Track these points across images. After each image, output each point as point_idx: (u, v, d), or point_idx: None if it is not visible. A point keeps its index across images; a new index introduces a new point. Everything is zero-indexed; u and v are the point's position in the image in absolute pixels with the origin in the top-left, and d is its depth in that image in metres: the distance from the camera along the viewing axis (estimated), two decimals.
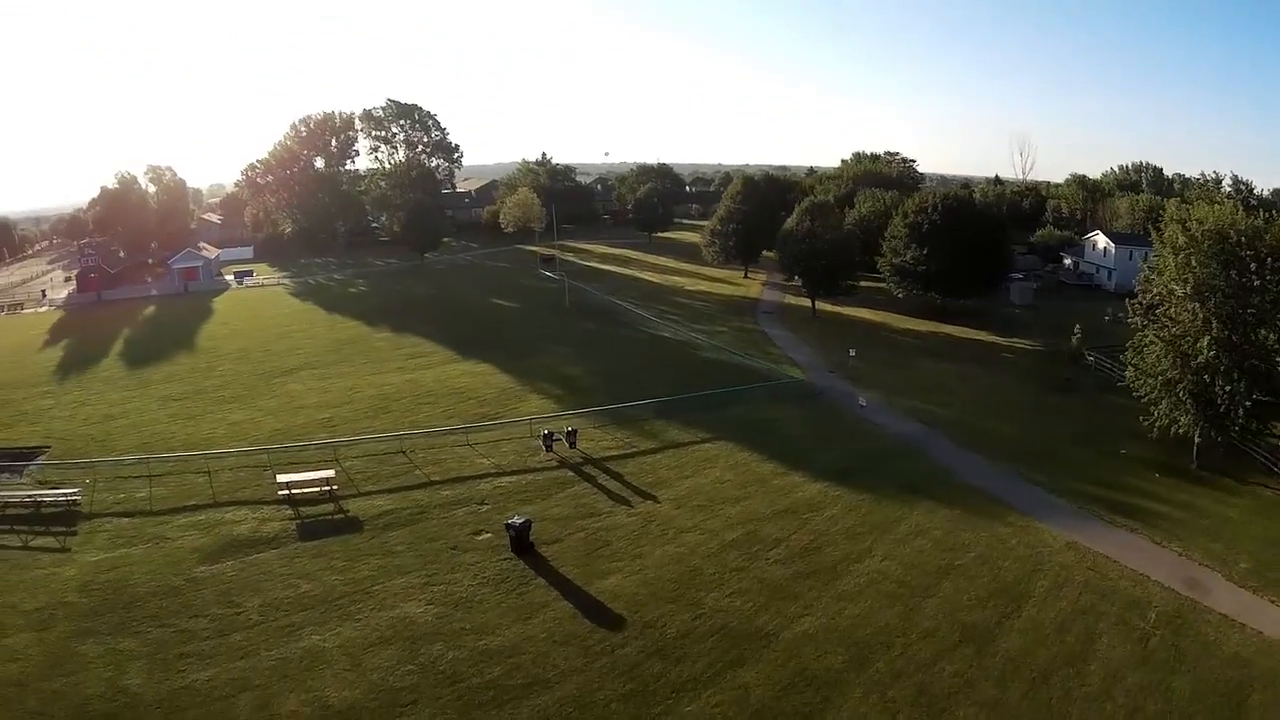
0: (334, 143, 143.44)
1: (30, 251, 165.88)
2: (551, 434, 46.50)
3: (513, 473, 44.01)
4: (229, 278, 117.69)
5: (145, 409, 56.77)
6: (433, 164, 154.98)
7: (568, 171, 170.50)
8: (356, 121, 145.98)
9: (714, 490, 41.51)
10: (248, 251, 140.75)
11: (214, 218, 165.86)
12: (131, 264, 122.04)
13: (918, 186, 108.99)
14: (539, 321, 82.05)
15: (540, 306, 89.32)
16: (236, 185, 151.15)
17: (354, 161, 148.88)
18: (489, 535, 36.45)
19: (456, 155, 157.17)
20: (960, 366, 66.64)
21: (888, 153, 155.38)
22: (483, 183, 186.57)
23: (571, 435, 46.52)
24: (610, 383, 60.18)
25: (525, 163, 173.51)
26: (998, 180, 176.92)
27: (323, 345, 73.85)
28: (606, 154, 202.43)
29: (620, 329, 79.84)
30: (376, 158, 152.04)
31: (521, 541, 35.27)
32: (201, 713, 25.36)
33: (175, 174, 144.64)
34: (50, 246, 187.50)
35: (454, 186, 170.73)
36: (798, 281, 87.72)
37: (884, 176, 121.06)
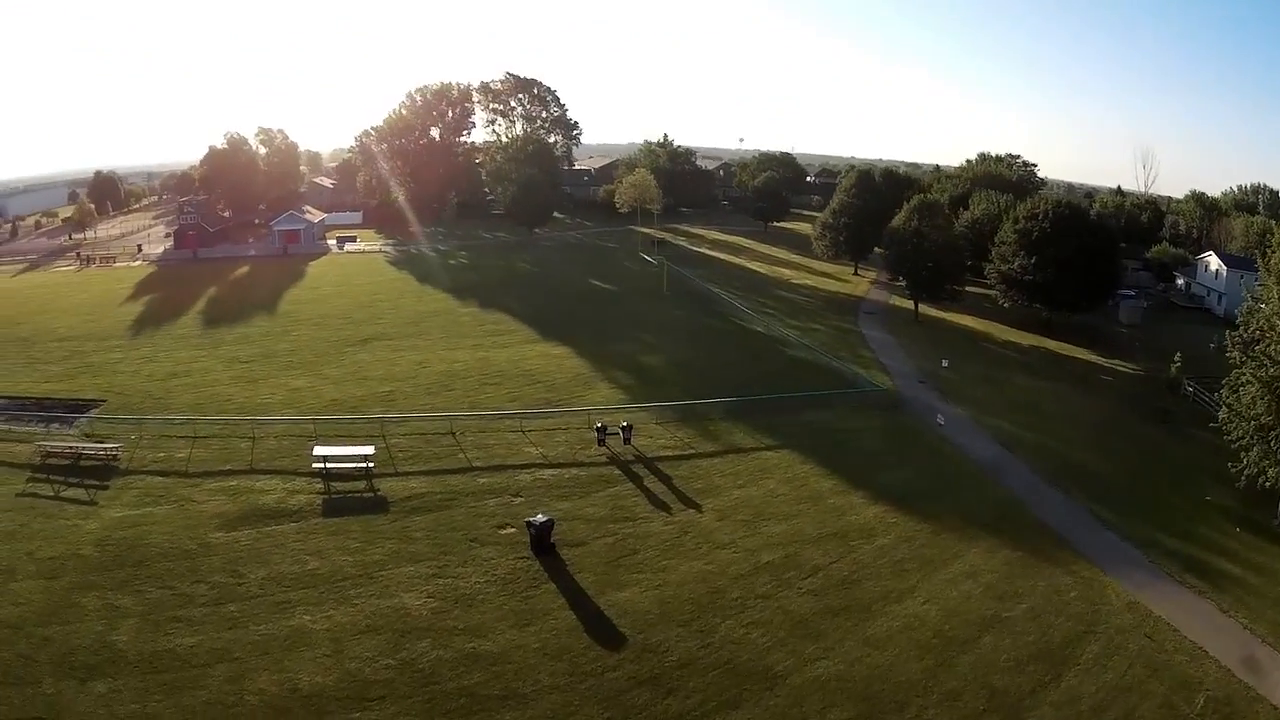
0: (450, 114, 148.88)
1: (136, 206, 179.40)
2: (605, 427, 46.38)
3: (557, 465, 44.15)
4: (331, 242, 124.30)
5: (210, 369, 60.26)
6: (551, 140, 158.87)
7: (688, 154, 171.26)
8: (474, 94, 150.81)
9: (764, 504, 40.63)
10: (356, 217, 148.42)
11: (326, 182, 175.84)
12: (233, 223, 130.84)
13: (1037, 192, 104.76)
14: (631, 306, 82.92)
15: (637, 290, 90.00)
16: (351, 151, 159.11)
17: (470, 134, 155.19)
18: (513, 530, 36.55)
19: (575, 132, 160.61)
20: (1056, 385, 64.69)
21: (1010, 154, 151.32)
22: (607, 161, 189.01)
23: (627, 430, 46.18)
24: (687, 376, 60.02)
25: (647, 143, 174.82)
26: (1119, 191, 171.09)
27: (405, 316, 76.93)
28: (741, 140, 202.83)
29: (712, 319, 79.43)
30: (494, 130, 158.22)
31: (542, 541, 35.18)
32: (175, 677, 26.65)
33: (287, 137, 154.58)
34: (158, 202, 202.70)
35: (572, 163, 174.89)
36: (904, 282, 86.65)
37: (1003, 179, 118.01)
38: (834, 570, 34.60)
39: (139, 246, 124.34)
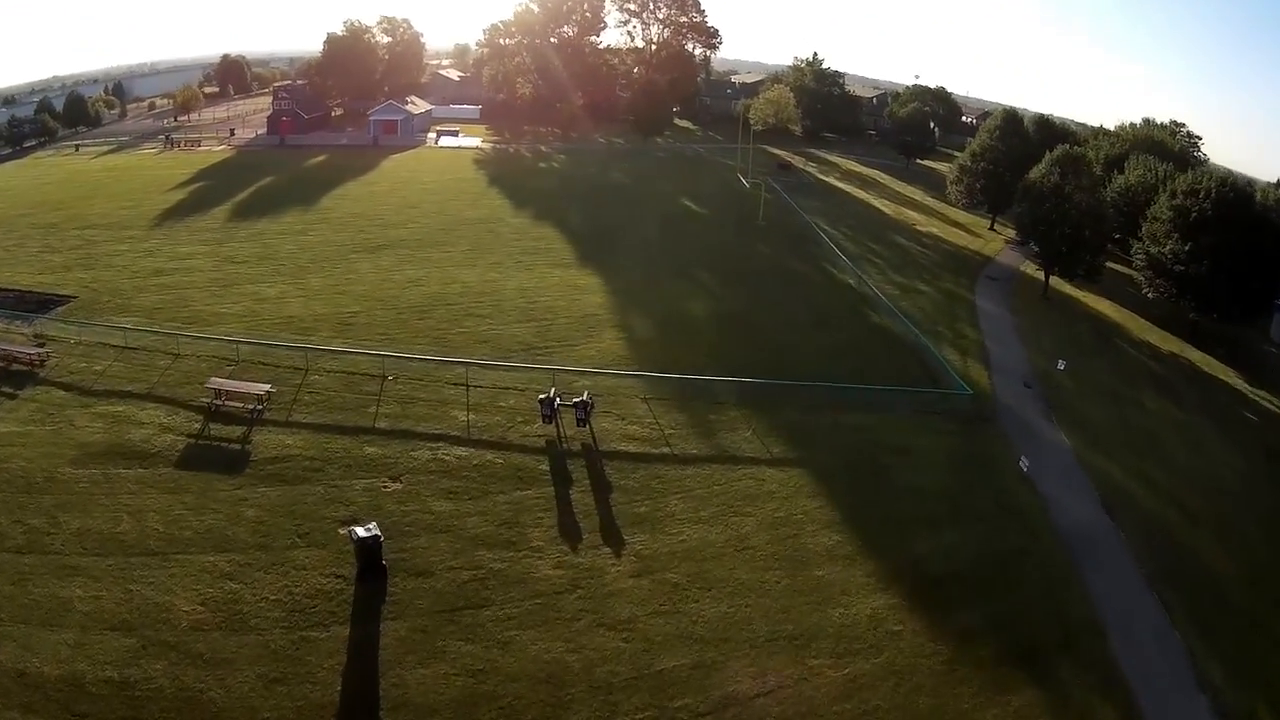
0: (582, 11, 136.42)
1: (262, 91, 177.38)
2: (554, 400, 34.98)
3: (473, 444, 33.82)
4: (431, 135, 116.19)
5: (197, 268, 54.52)
6: (688, 47, 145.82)
7: (836, 76, 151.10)
8: None
9: (717, 558, 28.27)
10: (473, 111, 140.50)
11: (453, 74, 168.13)
12: (336, 111, 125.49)
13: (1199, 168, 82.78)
14: (712, 235, 70.81)
15: (729, 218, 77.13)
16: (479, 45, 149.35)
17: (601, 35, 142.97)
18: (369, 526, 26.47)
19: (715, 40, 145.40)
20: (1190, 418, 48.12)
21: (1174, 122, 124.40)
22: (760, 78, 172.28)
23: (582, 408, 34.69)
24: (727, 335, 47.88)
25: (796, 60, 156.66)
26: None
27: (441, 222, 68.48)
28: (917, 77, 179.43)
29: (799, 261, 65.91)
30: (628, 32, 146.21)
31: (370, 561, 25.26)
32: None
33: (410, 27, 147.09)
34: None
35: (708, 73, 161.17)
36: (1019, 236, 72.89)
37: (1165, 148, 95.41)
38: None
39: (231, 131, 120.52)
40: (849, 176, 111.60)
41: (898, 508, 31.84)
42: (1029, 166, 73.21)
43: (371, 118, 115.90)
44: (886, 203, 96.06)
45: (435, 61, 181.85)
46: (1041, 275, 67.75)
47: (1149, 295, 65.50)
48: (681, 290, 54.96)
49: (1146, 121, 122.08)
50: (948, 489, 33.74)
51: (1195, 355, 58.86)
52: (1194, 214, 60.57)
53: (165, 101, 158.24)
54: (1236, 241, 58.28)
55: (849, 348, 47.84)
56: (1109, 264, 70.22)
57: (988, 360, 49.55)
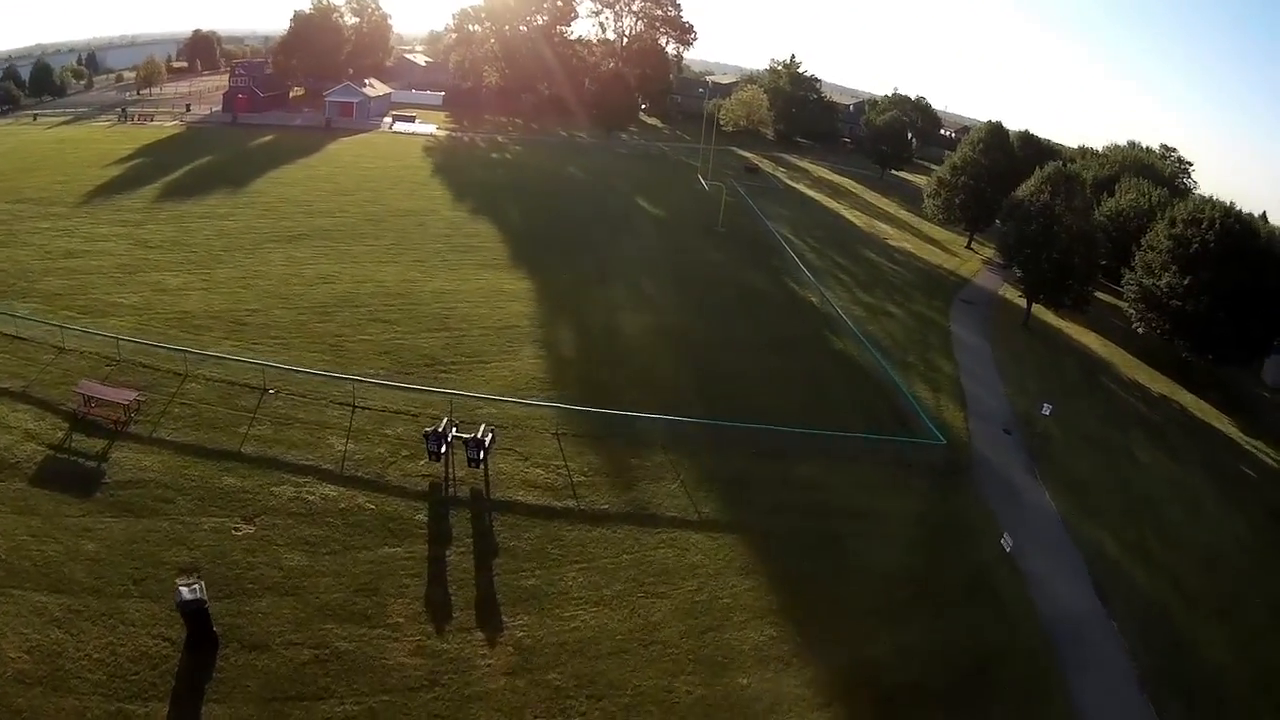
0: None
1: (226, 68, 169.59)
2: (443, 434, 29.30)
3: (348, 480, 28.83)
4: (388, 120, 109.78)
5: (108, 252, 49.23)
6: (663, 43, 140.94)
7: (812, 81, 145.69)
8: None
9: (614, 661, 22.75)
10: (434, 98, 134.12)
11: (420, 59, 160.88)
12: (293, 90, 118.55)
13: (1188, 196, 78.16)
14: (663, 240, 66.05)
15: (686, 221, 72.60)
16: (447, 29, 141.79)
17: (573, 25, 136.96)
18: (194, 587, 20.86)
19: (690, 36, 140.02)
20: (1186, 471, 42.94)
21: (1164, 146, 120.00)
22: (735, 79, 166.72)
23: (476, 448, 29.03)
24: (664, 356, 43.02)
25: (772, 63, 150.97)
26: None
27: (371, 213, 63.11)
28: (895, 89, 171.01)
29: (756, 274, 61.09)
30: (600, 23, 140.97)
31: (201, 628, 20.94)
32: None
33: (379, 7, 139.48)
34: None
35: (679, 69, 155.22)
36: (1002, 259, 67.68)
37: (1156, 172, 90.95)
38: None
39: (187, 106, 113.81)
40: (820, 184, 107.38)
41: (850, 592, 26.63)
42: (1012, 184, 68.81)
43: (327, 99, 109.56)
44: (858, 214, 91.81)
45: (404, 46, 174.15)
46: (1023, 301, 62.70)
47: (1139, 330, 60.48)
48: (620, 300, 50.18)
49: (1132, 144, 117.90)
50: (913, 568, 28.46)
51: (1187, 398, 54.24)
52: (1194, 245, 55.25)
53: (133, 74, 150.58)
54: (1239, 278, 53.07)
55: (806, 377, 43.17)
56: (1097, 293, 65.33)
57: (964, 399, 44.70)
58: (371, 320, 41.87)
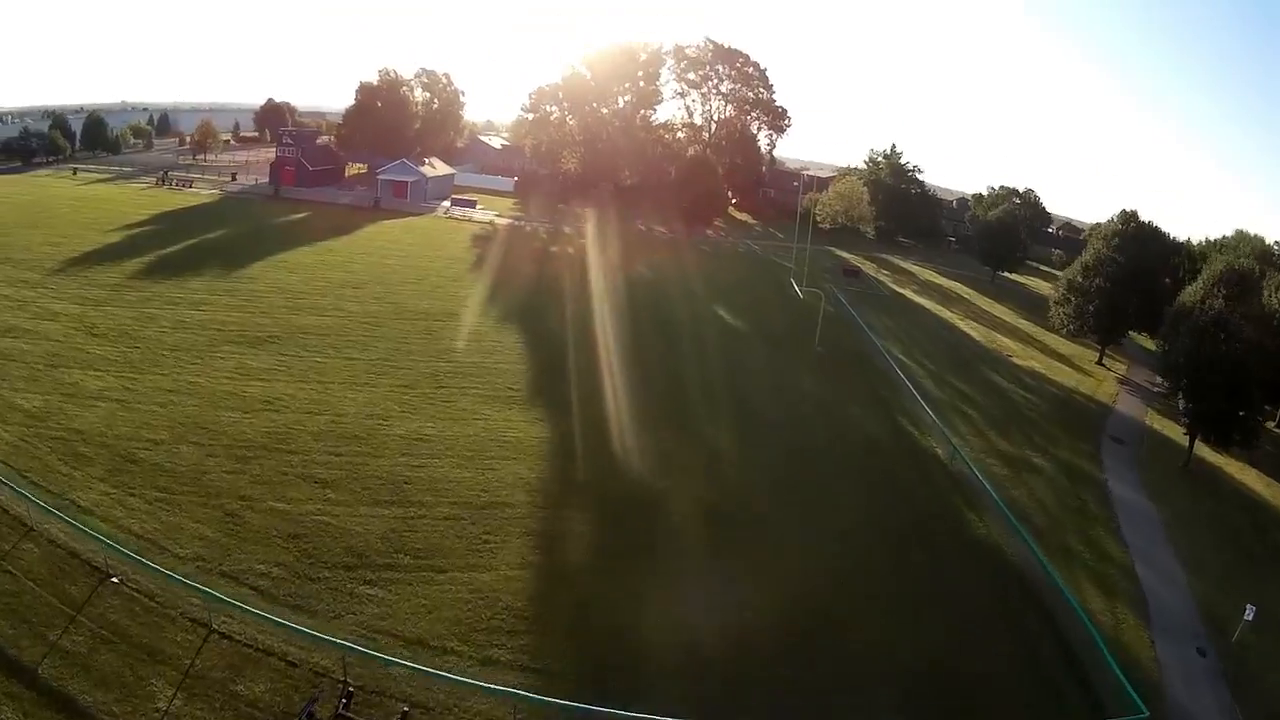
0: (639, 78, 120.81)
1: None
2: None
3: None
4: (446, 203, 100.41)
5: (46, 335, 41.30)
6: (754, 129, 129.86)
7: (914, 172, 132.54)
8: (666, 58, 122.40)
9: None
10: (506, 183, 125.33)
11: (494, 141, 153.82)
12: (338, 166, 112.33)
13: None
14: (742, 361, 52.25)
15: (773, 339, 58.59)
16: (523, 109, 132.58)
17: (657, 108, 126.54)
18: None
19: (783, 121, 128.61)
20: None
21: None
22: (829, 175, 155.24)
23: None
24: (715, 559, 28.53)
25: (871, 153, 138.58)
26: None
27: (371, 312, 51.33)
28: (994, 187, 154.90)
29: (862, 410, 46.77)
30: (686, 105, 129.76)
31: None
32: None
33: (452, 82, 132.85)
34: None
35: (772, 159, 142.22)
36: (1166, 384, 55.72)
37: None
38: None
39: (233, 175, 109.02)
40: (928, 289, 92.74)
41: None
42: (1149, 284, 53.61)
43: (379, 177, 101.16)
44: (974, 324, 76.87)
45: (481, 129, 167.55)
46: (1174, 431, 48.08)
47: None
48: (669, 455, 36.09)
49: (1239, 233, 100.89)
50: None
51: None
52: None
53: (195, 139, 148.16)
54: None
55: (935, 595, 28.21)
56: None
57: (1144, 603, 30.66)
58: (301, 477, 29.22)
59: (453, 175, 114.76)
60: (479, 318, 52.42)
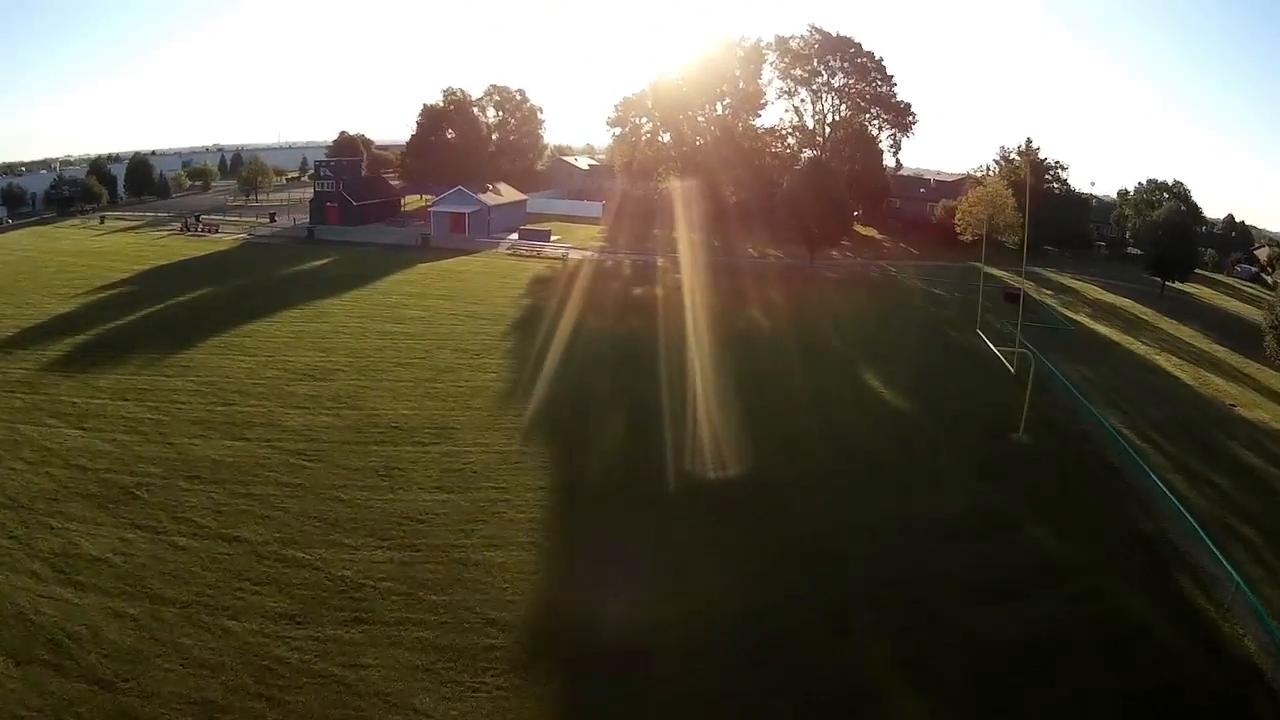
0: (739, 79, 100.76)
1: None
2: None
3: None
4: (513, 236, 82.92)
5: None
6: (874, 130, 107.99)
7: (1058, 169, 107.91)
8: (767, 52, 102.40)
9: None
10: (593, 207, 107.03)
11: (581, 162, 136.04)
12: (391, 199, 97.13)
13: None
14: (909, 474, 31.01)
15: (956, 423, 36.78)
16: (608, 123, 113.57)
17: (761, 114, 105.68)
18: None
19: (909, 119, 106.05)
20: None
21: None
22: (959, 176, 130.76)
23: None
24: None
25: (1003, 151, 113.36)
26: None
27: (307, 436, 32.13)
28: (1092, 184, 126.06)
29: (1119, 580, 23.66)
30: (794, 106, 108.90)
31: None
32: None
33: (527, 98, 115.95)
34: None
35: (898, 162, 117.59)
36: None
37: None
38: None
39: (271, 216, 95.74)
40: (1103, 312, 68.69)
41: None
42: None
43: (431, 210, 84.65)
44: (1174, 361, 53.42)
45: (579, 148, 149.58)
46: None
47: None
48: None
49: None
50: None
51: None
52: None
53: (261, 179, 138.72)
54: None
55: None
56: None
57: None
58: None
59: (524, 202, 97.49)
60: (490, 429, 32.64)
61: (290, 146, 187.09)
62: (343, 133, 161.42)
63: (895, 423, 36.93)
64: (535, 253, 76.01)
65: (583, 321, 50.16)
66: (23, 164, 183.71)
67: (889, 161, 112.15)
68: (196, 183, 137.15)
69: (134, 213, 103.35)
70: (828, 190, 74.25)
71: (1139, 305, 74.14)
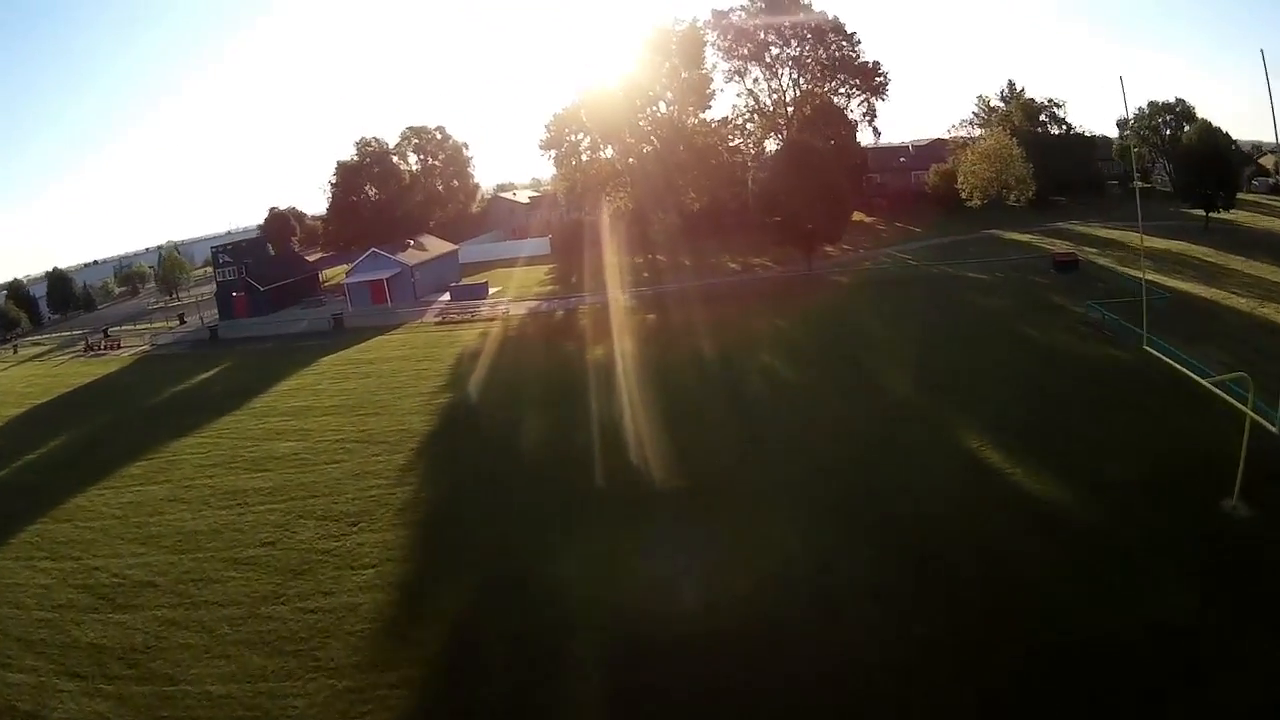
0: (677, 72, 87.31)
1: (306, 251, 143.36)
2: None
3: None
4: (445, 297, 69.04)
5: None
6: (840, 101, 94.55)
7: (1053, 109, 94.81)
8: (705, 32, 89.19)
9: None
10: (541, 244, 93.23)
11: (519, 196, 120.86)
12: (306, 275, 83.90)
13: None
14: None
15: (1112, 488, 22.60)
16: (540, 145, 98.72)
17: (711, 105, 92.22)
18: None
19: (879, 80, 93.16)
20: None
21: None
22: (923, 141, 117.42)
23: None
24: None
25: (982, 99, 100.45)
26: None
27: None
28: (1140, 109, 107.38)
29: None
30: (749, 89, 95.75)
31: None
32: None
33: (448, 135, 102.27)
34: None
35: (876, 131, 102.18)
36: None
37: None
38: None
39: (180, 317, 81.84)
40: (1167, 263, 54.90)
41: None
42: None
43: (346, 282, 70.69)
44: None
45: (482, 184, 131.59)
46: None
47: None
48: None
49: None
50: None
51: None
52: None
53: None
54: None
55: None
56: None
57: None
58: None
59: (455, 253, 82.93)
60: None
61: (236, 233, 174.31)
62: (272, 209, 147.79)
63: (1033, 516, 23.13)
64: (469, 315, 61.27)
65: (521, 425, 35.00)
66: None
67: (865, 133, 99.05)
68: (124, 289, 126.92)
69: (53, 334, 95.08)
70: (818, 174, 60.63)
71: (1195, 246, 60.67)
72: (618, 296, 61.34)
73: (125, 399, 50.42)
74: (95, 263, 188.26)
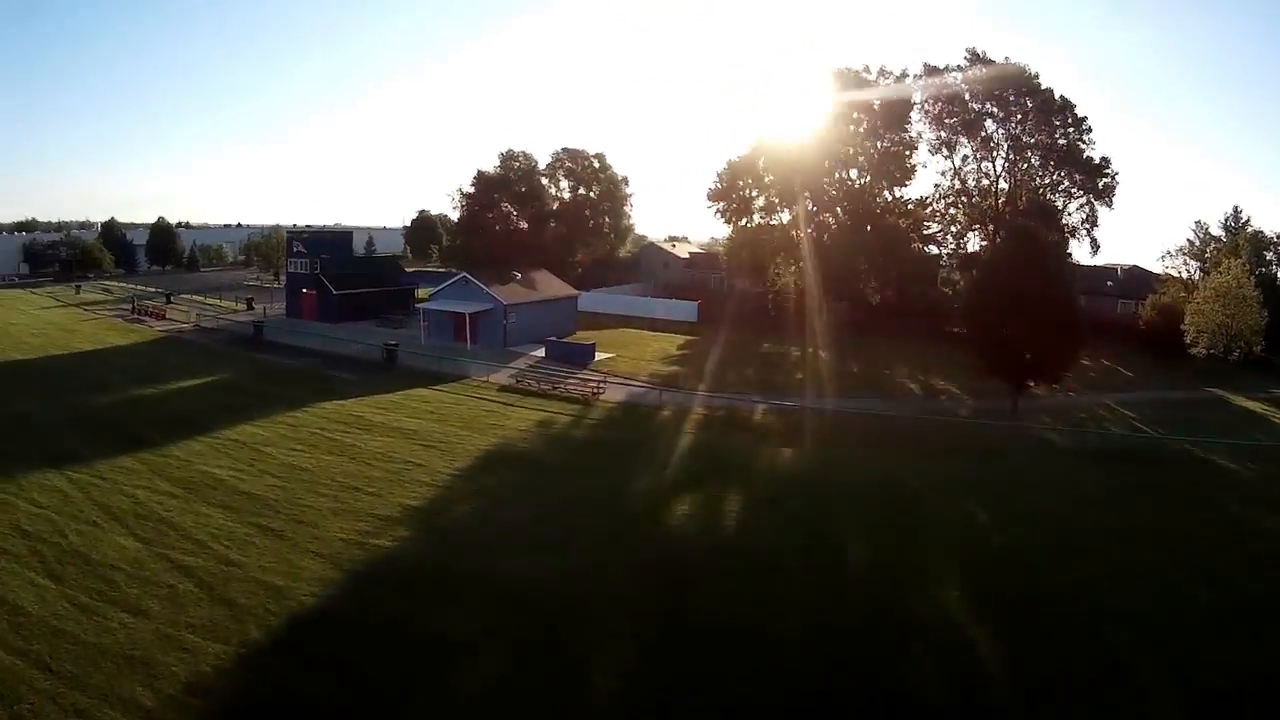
0: (879, 134, 71.37)
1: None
2: None
3: None
4: (539, 351, 55.49)
5: None
6: (1059, 203, 75.07)
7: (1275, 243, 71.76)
8: (914, 93, 73.21)
9: None
10: (687, 309, 78.22)
11: (679, 250, 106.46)
12: (388, 288, 72.68)
13: None
14: None
15: None
16: (709, 198, 77.46)
17: (910, 181, 74.63)
18: None
19: (1106, 183, 73.41)
20: None
21: None
22: (1125, 265, 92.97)
23: None
24: None
25: (1200, 225, 76.57)
26: None
27: None
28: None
29: None
30: (955, 168, 77.95)
31: None
32: None
33: (606, 165, 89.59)
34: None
35: (1094, 244, 77.79)
36: None
37: None
38: None
39: (249, 301, 75.46)
40: None
41: None
42: None
43: (425, 307, 58.26)
44: None
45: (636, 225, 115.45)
46: None
47: None
48: None
49: None
50: None
51: None
52: None
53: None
54: None
55: None
56: None
57: None
58: None
59: (572, 299, 67.94)
60: None
61: (388, 229, 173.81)
62: (421, 212, 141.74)
63: None
64: (550, 385, 46.36)
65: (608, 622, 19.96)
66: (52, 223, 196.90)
67: (1081, 245, 78.38)
68: (243, 258, 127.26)
69: (132, 284, 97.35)
70: (1051, 284, 42.63)
71: None
72: (753, 405, 44.75)
73: (62, 389, 40.60)
74: (239, 225, 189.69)
